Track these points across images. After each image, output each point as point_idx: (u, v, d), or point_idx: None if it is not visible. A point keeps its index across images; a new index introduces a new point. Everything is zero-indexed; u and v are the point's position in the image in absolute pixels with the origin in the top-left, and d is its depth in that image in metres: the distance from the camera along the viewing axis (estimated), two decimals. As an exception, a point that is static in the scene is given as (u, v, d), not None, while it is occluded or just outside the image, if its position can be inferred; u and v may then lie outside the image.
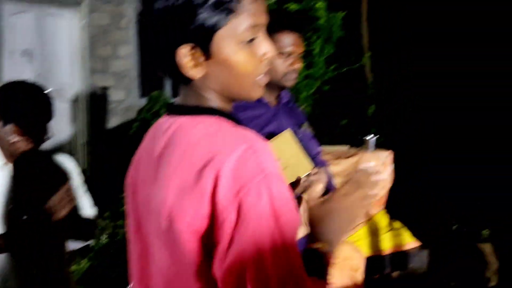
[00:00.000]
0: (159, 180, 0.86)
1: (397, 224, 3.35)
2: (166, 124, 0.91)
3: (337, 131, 5.07)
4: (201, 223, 0.79)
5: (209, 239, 0.79)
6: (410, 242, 3.29)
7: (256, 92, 0.90)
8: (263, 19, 0.86)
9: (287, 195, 0.80)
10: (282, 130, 1.73)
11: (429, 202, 4.25)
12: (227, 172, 0.77)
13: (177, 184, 0.81)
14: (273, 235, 0.76)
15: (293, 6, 4.16)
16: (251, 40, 0.85)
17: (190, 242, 0.80)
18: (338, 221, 0.94)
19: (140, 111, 5.77)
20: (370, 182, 0.93)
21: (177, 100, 0.93)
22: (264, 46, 0.87)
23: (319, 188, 1.00)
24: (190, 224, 0.79)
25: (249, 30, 0.83)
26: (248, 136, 0.82)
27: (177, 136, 0.86)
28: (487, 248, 3.62)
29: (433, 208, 4.22)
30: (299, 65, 1.80)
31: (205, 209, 0.78)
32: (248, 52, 0.85)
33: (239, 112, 1.79)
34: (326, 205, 0.95)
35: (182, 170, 0.82)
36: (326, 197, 0.97)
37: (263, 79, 0.90)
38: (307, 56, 4.12)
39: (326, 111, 4.83)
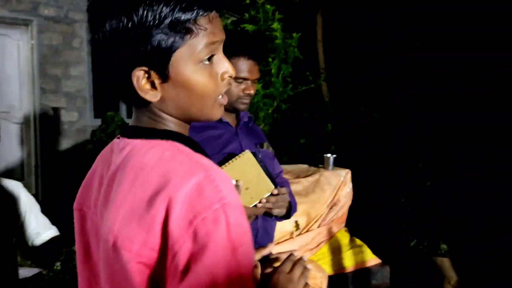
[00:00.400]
0: (109, 205, 0.81)
1: (358, 241, 3.36)
2: (119, 147, 0.87)
3: (296, 150, 5.09)
4: (151, 253, 0.74)
5: (158, 271, 0.74)
6: (371, 259, 3.31)
7: (217, 112, 0.88)
8: (220, 36, 0.84)
9: (245, 226, 0.76)
10: (243, 150, 1.72)
11: (388, 219, 4.31)
12: (181, 199, 0.73)
13: (127, 210, 0.76)
14: (230, 266, 0.72)
15: (249, 27, 4.18)
16: (210, 59, 0.83)
17: (137, 272, 0.75)
18: None
19: (94, 132, 5.61)
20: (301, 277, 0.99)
21: (131, 122, 0.89)
22: (223, 65, 0.85)
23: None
24: (139, 253, 0.74)
25: (206, 48, 0.81)
26: (205, 163, 0.79)
27: (130, 159, 0.82)
28: (445, 262, 3.68)
29: (392, 224, 4.27)
30: (252, 91, 1.82)
31: (156, 239, 0.73)
32: (207, 71, 0.83)
33: (199, 132, 1.79)
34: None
35: (133, 196, 0.77)
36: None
37: (223, 99, 0.87)
38: (265, 76, 4.14)
39: (285, 130, 4.85)
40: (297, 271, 1.04)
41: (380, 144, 5.03)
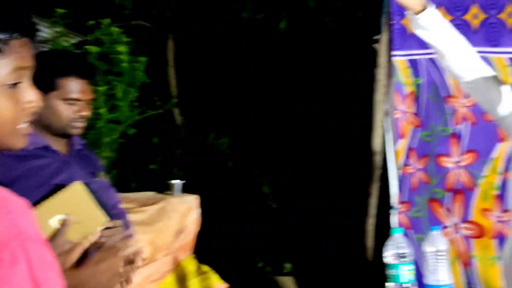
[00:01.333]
0: None
1: (205, 267, 3.36)
2: None
3: (145, 176, 4.99)
4: None
5: None
6: (218, 284, 3.32)
7: (18, 142, 0.81)
8: (29, 62, 0.79)
9: (50, 261, 0.71)
10: (74, 180, 1.61)
11: (234, 243, 4.40)
12: None
13: None
14: None
15: (93, 49, 4.04)
16: (15, 85, 0.77)
17: None
18: None
19: None
20: (124, 246, 0.97)
21: None
22: (30, 93, 0.80)
23: (74, 255, 1.00)
24: None
25: (13, 72, 0.76)
26: (2, 194, 0.71)
27: None
28: (288, 281, 3.87)
29: (239, 248, 4.37)
30: (86, 113, 1.74)
31: None
32: (9, 96, 0.76)
33: (20, 162, 1.63)
34: (80, 272, 0.91)
35: None
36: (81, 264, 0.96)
37: (25, 129, 0.81)
38: (109, 100, 4.02)
39: (133, 156, 4.73)
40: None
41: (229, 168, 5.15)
